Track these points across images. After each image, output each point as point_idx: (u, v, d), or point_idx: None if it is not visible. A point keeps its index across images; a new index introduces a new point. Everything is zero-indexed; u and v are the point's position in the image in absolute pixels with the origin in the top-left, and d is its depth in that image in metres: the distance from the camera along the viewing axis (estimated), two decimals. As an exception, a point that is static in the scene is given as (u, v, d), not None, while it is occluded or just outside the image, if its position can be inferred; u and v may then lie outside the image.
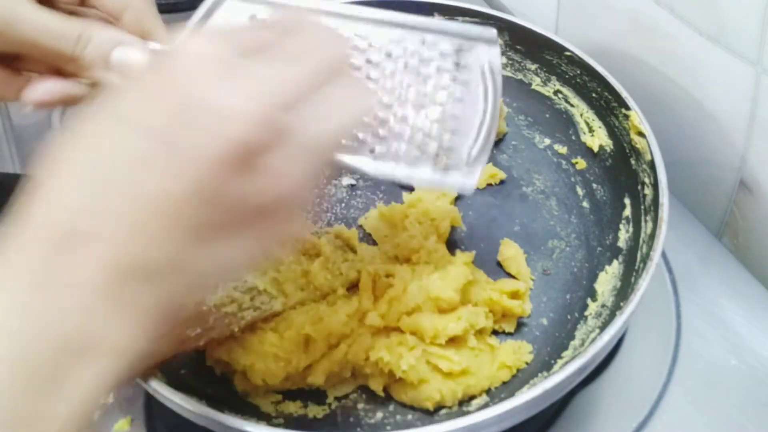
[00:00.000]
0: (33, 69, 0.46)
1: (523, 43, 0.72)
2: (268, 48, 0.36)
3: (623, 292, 0.56)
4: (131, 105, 0.34)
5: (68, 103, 0.47)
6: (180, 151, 0.32)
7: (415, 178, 0.46)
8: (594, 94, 0.67)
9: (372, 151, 0.45)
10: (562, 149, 0.71)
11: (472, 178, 0.46)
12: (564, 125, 0.71)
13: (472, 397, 0.55)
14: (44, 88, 0.46)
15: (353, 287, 0.59)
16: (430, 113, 0.46)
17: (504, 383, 0.55)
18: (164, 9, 0.54)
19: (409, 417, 0.55)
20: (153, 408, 0.59)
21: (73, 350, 0.31)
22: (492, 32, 0.47)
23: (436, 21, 0.47)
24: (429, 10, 0.74)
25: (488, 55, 0.47)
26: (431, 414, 0.54)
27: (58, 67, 0.46)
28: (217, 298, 0.54)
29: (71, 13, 0.46)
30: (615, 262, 0.60)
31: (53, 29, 0.43)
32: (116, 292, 0.32)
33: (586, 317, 0.58)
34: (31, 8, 0.43)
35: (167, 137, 0.33)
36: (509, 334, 0.59)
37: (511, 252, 0.63)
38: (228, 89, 0.33)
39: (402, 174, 0.45)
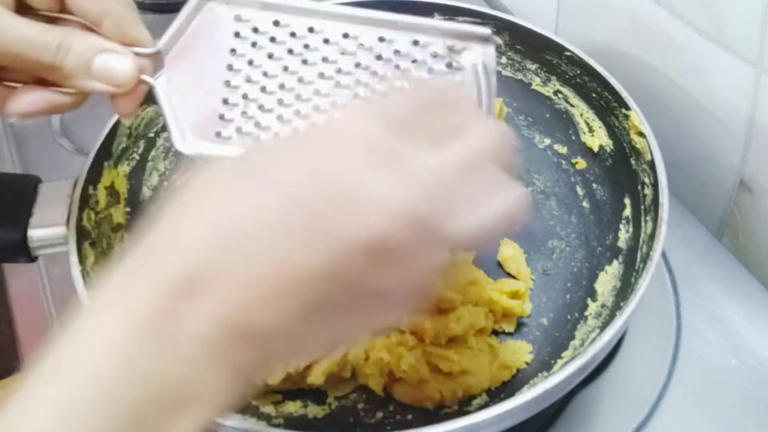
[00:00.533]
0: (16, 79, 0.45)
1: (523, 43, 0.72)
2: (419, 124, 0.35)
3: (623, 292, 0.56)
4: (277, 166, 0.33)
5: (53, 112, 0.46)
6: (324, 229, 0.31)
7: None
8: (594, 94, 0.67)
9: None
10: (562, 149, 0.71)
11: None
12: (564, 125, 0.71)
13: (472, 397, 0.55)
14: (27, 99, 0.45)
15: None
16: None
17: (504, 383, 0.55)
18: (149, 8, 0.53)
19: (409, 417, 0.55)
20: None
21: (174, 400, 0.31)
22: (486, 30, 0.46)
23: (429, 20, 0.46)
24: (429, 10, 0.74)
25: (482, 54, 0.46)
26: (431, 414, 0.54)
27: (42, 76, 0.44)
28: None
29: (51, 20, 0.44)
30: (615, 262, 0.60)
31: (33, 39, 0.42)
32: (222, 348, 0.31)
33: (586, 317, 0.58)
34: (10, 18, 0.42)
35: (314, 212, 0.31)
36: (509, 334, 0.59)
37: (511, 252, 0.63)
38: (379, 178, 0.32)
39: None
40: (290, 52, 0.46)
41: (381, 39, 0.46)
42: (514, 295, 0.59)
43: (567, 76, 0.70)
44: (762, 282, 0.65)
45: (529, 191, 0.70)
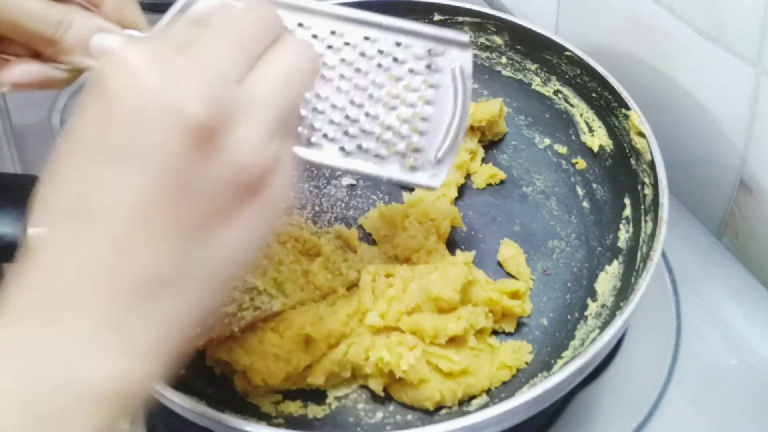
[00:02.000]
0: (12, 51, 0.47)
1: (523, 43, 0.72)
2: (198, 38, 0.36)
3: (623, 292, 0.56)
4: (79, 131, 0.34)
5: (45, 86, 0.47)
6: (137, 155, 0.32)
7: (383, 175, 0.48)
8: (594, 94, 0.67)
9: (342, 148, 0.47)
10: (562, 149, 0.71)
11: (437, 178, 0.48)
12: (564, 125, 0.71)
13: (472, 397, 0.55)
14: (21, 70, 0.46)
15: (353, 287, 0.59)
16: (401, 113, 0.47)
17: (504, 383, 0.55)
18: (148, 8, 0.54)
19: (409, 417, 0.55)
20: (153, 408, 0.59)
21: (77, 393, 0.31)
22: (464, 37, 0.48)
23: (411, 23, 0.48)
24: (429, 10, 0.74)
25: (460, 59, 0.48)
26: (431, 414, 0.54)
27: (38, 50, 0.46)
28: (217, 298, 0.54)
29: None
30: (615, 262, 0.60)
31: (36, 12, 0.44)
32: (119, 322, 0.32)
33: (586, 317, 0.58)
34: None
35: (121, 148, 0.32)
36: (509, 334, 0.59)
37: (511, 252, 0.63)
38: (168, 82, 0.33)
39: (369, 170, 0.47)
40: None
41: (366, 38, 0.47)
42: (514, 295, 0.59)
43: (567, 76, 0.70)
44: (762, 282, 0.65)
45: (529, 191, 0.70)
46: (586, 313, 0.59)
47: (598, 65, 0.66)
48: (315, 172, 0.72)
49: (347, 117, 0.47)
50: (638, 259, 0.57)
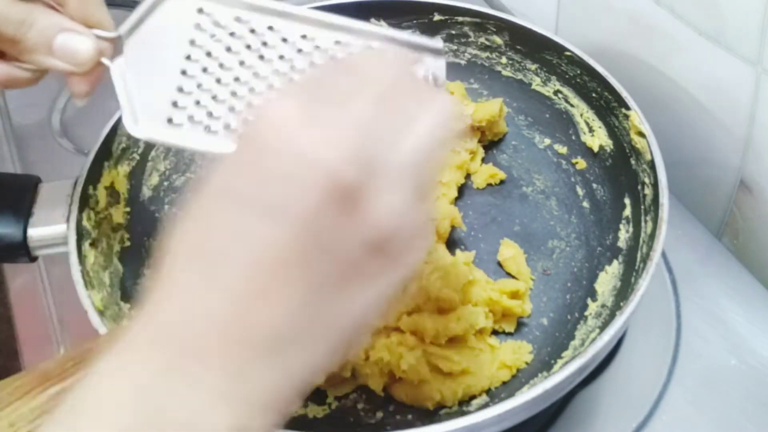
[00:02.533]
0: None
1: (523, 43, 0.72)
2: (347, 89, 0.35)
3: (623, 292, 0.56)
4: (225, 177, 0.34)
5: (9, 85, 0.47)
6: (279, 208, 0.32)
7: None
8: (594, 94, 0.67)
9: None
10: (562, 149, 0.71)
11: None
12: (564, 125, 0.71)
13: (472, 397, 0.55)
14: None
15: (353, 287, 0.59)
16: None
17: (504, 383, 0.55)
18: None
19: (409, 417, 0.55)
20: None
21: None
22: (438, 43, 0.46)
23: (384, 29, 0.47)
24: (429, 10, 0.74)
25: (434, 66, 0.46)
26: (431, 414, 0.54)
27: (1, 49, 0.45)
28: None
29: None
30: (615, 262, 0.60)
31: None
32: (241, 374, 0.31)
33: (586, 317, 0.58)
34: None
35: (265, 200, 0.32)
36: (509, 334, 0.59)
37: (511, 252, 0.63)
38: (310, 137, 0.32)
39: None
40: (248, 47, 0.46)
41: (337, 42, 0.46)
42: (514, 295, 0.59)
43: (567, 76, 0.70)
44: (762, 282, 0.65)
45: (529, 191, 0.70)
46: (586, 313, 0.59)
47: (598, 65, 0.66)
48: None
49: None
50: (638, 259, 0.57)
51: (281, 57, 0.46)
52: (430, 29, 0.76)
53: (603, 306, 0.58)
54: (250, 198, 0.32)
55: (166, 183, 0.69)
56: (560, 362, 0.55)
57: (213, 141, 0.47)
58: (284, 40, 0.46)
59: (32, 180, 0.58)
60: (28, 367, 0.47)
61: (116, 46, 0.46)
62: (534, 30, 0.70)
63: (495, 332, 0.59)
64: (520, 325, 0.60)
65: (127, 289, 0.60)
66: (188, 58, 0.47)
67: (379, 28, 0.47)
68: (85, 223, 0.57)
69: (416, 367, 0.53)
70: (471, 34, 0.75)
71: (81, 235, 0.56)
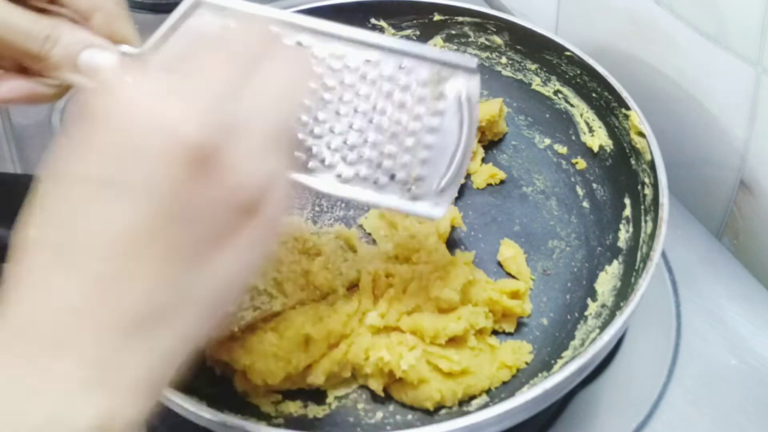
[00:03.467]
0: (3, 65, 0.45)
1: (523, 43, 0.72)
2: (189, 56, 0.35)
3: (623, 292, 0.56)
4: (70, 161, 0.33)
5: (33, 101, 0.46)
6: (128, 183, 0.31)
7: (382, 204, 0.45)
8: (594, 94, 0.67)
9: (339, 175, 0.45)
10: (562, 149, 0.71)
11: (439, 209, 0.46)
12: (564, 125, 0.71)
13: (472, 397, 0.55)
14: (8, 86, 0.45)
15: (353, 287, 0.59)
16: (403, 142, 0.45)
17: (504, 383, 0.55)
18: (148, 8, 0.53)
19: (409, 417, 0.55)
20: (153, 408, 0.59)
21: None
22: (473, 61, 0.45)
23: (416, 45, 0.45)
24: (429, 10, 0.74)
25: (467, 85, 0.45)
26: (431, 414, 0.54)
27: (24, 65, 0.45)
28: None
29: (41, 11, 0.44)
30: (615, 262, 0.60)
31: (22, 27, 0.42)
32: (108, 359, 0.31)
33: (586, 317, 0.58)
34: (1, 6, 0.42)
35: (111, 176, 0.31)
36: (509, 334, 0.59)
37: (511, 252, 0.63)
38: (158, 104, 0.32)
39: (368, 199, 0.45)
40: None
41: (368, 61, 0.45)
42: (514, 295, 0.59)
43: (567, 76, 0.70)
44: (762, 282, 0.65)
45: (529, 191, 0.70)
46: (586, 313, 0.59)
47: (598, 65, 0.66)
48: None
49: (346, 142, 0.45)
50: (638, 259, 0.57)
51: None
52: (430, 29, 0.76)
53: (603, 306, 0.58)
54: (97, 178, 0.32)
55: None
56: (560, 362, 0.55)
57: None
58: (313, 56, 0.45)
59: (32, 180, 0.58)
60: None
61: (141, 62, 0.45)
62: (534, 30, 0.70)
63: (495, 332, 0.59)
64: (520, 325, 0.60)
65: (127, 289, 0.60)
66: None
67: (410, 44, 0.45)
68: (85, 223, 0.57)
69: (416, 367, 0.53)
70: (471, 34, 0.75)
71: (81, 235, 0.56)
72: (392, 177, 0.45)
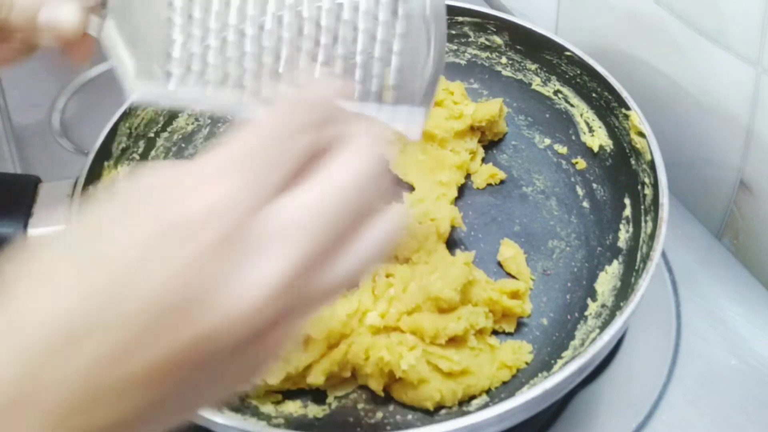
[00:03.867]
0: None
1: (523, 43, 0.72)
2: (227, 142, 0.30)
3: (623, 292, 0.56)
4: (109, 239, 0.28)
5: (2, 64, 0.46)
6: (165, 326, 0.27)
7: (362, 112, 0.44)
8: (594, 94, 0.67)
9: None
10: (562, 149, 0.71)
11: (415, 127, 0.44)
12: (564, 125, 0.71)
13: (472, 397, 0.55)
14: None
15: (353, 287, 0.59)
16: (369, 68, 0.44)
17: (504, 383, 0.55)
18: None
19: (409, 417, 0.55)
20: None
21: None
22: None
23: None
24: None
25: (431, 1, 0.44)
26: (431, 414, 0.54)
27: None
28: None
29: None
30: (615, 262, 0.60)
31: None
32: None
33: (586, 317, 0.58)
34: None
35: (153, 305, 0.26)
36: (509, 334, 0.59)
37: (511, 252, 0.63)
38: (238, 269, 0.27)
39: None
40: None
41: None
42: (514, 295, 0.59)
43: (567, 76, 0.70)
44: (762, 282, 0.65)
45: (529, 191, 0.70)
46: (586, 313, 0.59)
47: (598, 65, 0.66)
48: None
49: (315, 59, 0.43)
50: (638, 259, 0.57)
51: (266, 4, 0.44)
52: (430, 29, 0.76)
53: (603, 306, 0.58)
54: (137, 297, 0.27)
55: (166, 183, 0.69)
56: (560, 362, 0.55)
57: (215, 95, 0.44)
58: None
59: (32, 180, 0.58)
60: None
61: (101, 10, 0.45)
62: (534, 30, 0.70)
63: (495, 332, 0.59)
64: (520, 325, 0.60)
65: (127, 289, 0.60)
66: (171, 6, 0.44)
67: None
68: (85, 223, 0.57)
69: (416, 367, 0.53)
70: (471, 34, 0.75)
71: (81, 235, 0.56)
72: (366, 89, 0.44)
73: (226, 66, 0.44)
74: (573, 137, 0.70)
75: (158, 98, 0.45)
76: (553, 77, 0.71)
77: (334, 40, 0.44)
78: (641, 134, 0.61)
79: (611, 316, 0.54)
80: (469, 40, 0.75)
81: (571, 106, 0.70)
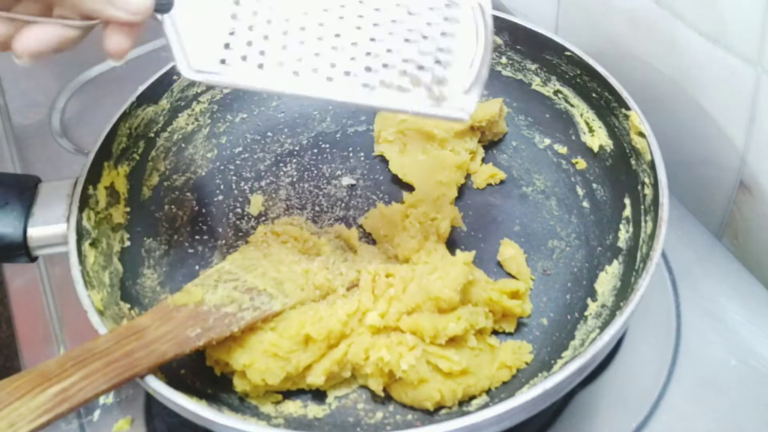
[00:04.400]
0: (24, 9, 0.45)
1: (523, 43, 0.72)
2: None
3: (623, 292, 0.56)
4: None
5: (61, 47, 0.46)
6: None
7: (408, 109, 0.46)
8: (594, 94, 0.67)
9: (365, 85, 0.46)
10: (562, 149, 0.71)
11: (465, 111, 0.47)
12: (564, 125, 0.71)
13: (472, 397, 0.55)
14: (36, 36, 0.45)
15: (353, 287, 0.59)
16: (421, 47, 0.47)
17: (504, 383, 0.55)
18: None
19: (409, 417, 0.55)
20: (153, 408, 0.59)
21: None
22: None
23: None
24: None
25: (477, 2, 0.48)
26: (431, 414, 0.54)
27: (57, 3, 0.45)
28: (217, 298, 0.54)
29: None
30: (615, 262, 0.60)
31: None
32: None
33: (586, 317, 0.58)
34: None
35: None
36: (509, 334, 0.59)
37: (511, 252, 0.63)
38: None
39: (394, 104, 0.46)
40: None
41: None
42: (514, 295, 0.59)
43: (567, 76, 0.70)
44: (762, 282, 0.65)
45: (529, 191, 0.70)
46: (586, 313, 0.59)
47: (598, 65, 0.66)
48: (315, 172, 0.72)
49: (368, 53, 0.47)
50: (638, 259, 0.57)
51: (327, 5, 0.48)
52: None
53: (603, 306, 0.58)
54: None
55: (166, 183, 0.69)
56: (560, 362, 0.55)
57: (262, 77, 0.47)
58: None
59: (32, 180, 0.58)
60: (28, 367, 0.47)
61: None
62: (534, 30, 0.70)
63: (495, 332, 0.59)
64: (520, 325, 0.60)
65: (127, 289, 0.60)
66: (237, 2, 0.47)
67: None
68: (85, 223, 0.57)
69: (416, 367, 0.53)
70: (471, 34, 0.75)
71: (81, 235, 0.56)
72: (415, 82, 0.46)
73: (282, 55, 0.47)
74: (573, 137, 0.70)
75: (207, 78, 0.47)
76: (553, 77, 0.71)
77: (388, 34, 0.47)
78: (641, 134, 0.61)
79: (611, 316, 0.54)
80: (469, 40, 0.75)
81: (571, 106, 0.70)
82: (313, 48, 0.47)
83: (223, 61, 0.47)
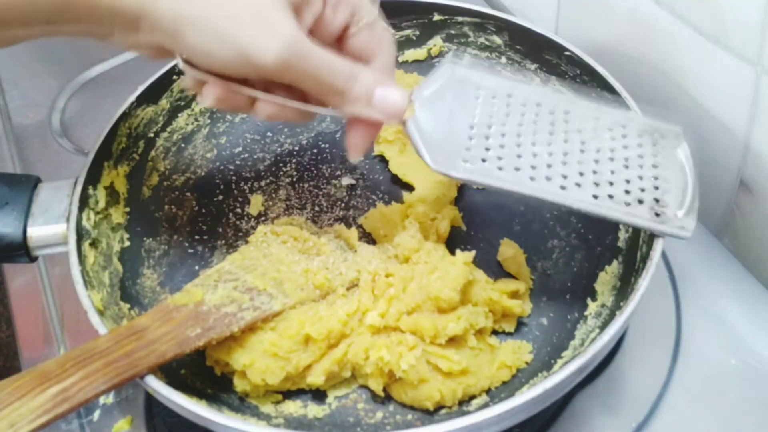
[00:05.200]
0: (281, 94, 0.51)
1: (523, 43, 0.72)
2: None
3: (623, 292, 0.56)
4: None
5: (296, 120, 0.52)
6: None
7: (634, 221, 0.53)
8: (594, 94, 0.67)
9: (595, 196, 0.53)
10: (562, 149, 0.71)
11: (686, 230, 0.53)
12: (564, 125, 0.71)
13: (472, 397, 0.55)
14: (283, 109, 0.51)
15: (353, 287, 0.59)
16: (641, 173, 0.55)
17: (504, 383, 0.55)
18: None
19: (409, 417, 0.55)
20: (153, 408, 0.59)
21: None
22: (677, 129, 0.57)
23: (627, 112, 0.59)
24: (429, 10, 0.74)
25: (681, 149, 0.57)
26: (431, 414, 0.54)
27: (323, 98, 0.50)
28: (217, 298, 0.54)
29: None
30: (615, 262, 0.60)
31: (333, 66, 0.48)
32: None
33: (586, 317, 0.58)
34: (314, 46, 0.47)
35: None
36: (509, 334, 0.59)
37: (511, 252, 0.63)
38: None
39: (623, 214, 0.53)
40: (523, 114, 0.56)
41: (596, 118, 0.57)
42: (514, 295, 0.59)
43: (567, 76, 0.70)
44: (762, 282, 0.65)
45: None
46: (586, 313, 0.59)
47: (598, 65, 0.66)
48: (315, 172, 0.72)
49: (595, 172, 0.54)
50: (638, 259, 0.57)
51: (539, 121, 0.56)
52: (430, 29, 0.76)
53: (603, 306, 0.58)
54: None
55: (166, 183, 0.69)
56: (560, 362, 0.55)
57: (504, 177, 0.53)
58: (551, 113, 0.57)
59: (32, 180, 0.58)
60: (28, 367, 0.47)
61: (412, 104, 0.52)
62: (534, 30, 0.70)
63: (495, 332, 0.59)
64: (520, 325, 0.60)
65: (127, 289, 0.60)
66: (473, 115, 0.55)
67: (624, 111, 0.60)
68: (84, 223, 0.57)
69: (416, 366, 0.53)
70: (471, 34, 0.75)
71: (81, 235, 0.56)
72: (640, 200, 0.54)
73: (518, 162, 0.54)
74: (573, 137, 0.70)
75: (451, 173, 0.53)
76: (553, 77, 0.71)
77: (609, 160, 0.55)
78: (641, 134, 0.61)
79: (611, 316, 0.54)
80: (469, 40, 0.75)
81: (571, 106, 0.70)
82: (545, 159, 0.54)
83: (465, 161, 0.53)
